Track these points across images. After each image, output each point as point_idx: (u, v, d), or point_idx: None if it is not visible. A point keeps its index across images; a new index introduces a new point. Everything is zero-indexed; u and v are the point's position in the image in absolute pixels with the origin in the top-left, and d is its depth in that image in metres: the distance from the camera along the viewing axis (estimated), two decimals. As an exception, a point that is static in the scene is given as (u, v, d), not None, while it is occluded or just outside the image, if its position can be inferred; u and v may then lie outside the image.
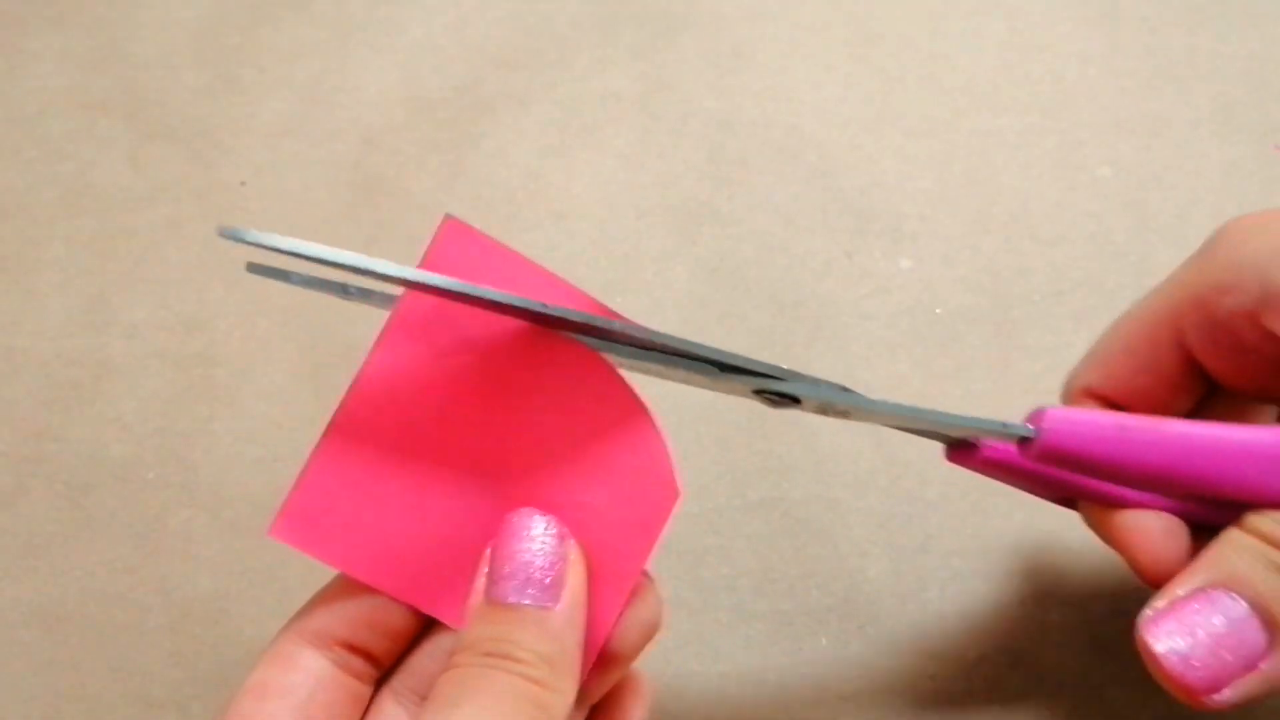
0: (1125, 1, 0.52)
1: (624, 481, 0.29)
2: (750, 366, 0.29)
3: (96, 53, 0.53)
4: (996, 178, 0.48)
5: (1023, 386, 0.43)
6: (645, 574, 0.30)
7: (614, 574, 0.29)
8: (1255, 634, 0.30)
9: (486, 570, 0.28)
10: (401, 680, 0.30)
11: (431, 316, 0.29)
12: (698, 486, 0.42)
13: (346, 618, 0.29)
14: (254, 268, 0.30)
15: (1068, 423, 0.31)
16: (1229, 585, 0.30)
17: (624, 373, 0.30)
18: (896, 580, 0.40)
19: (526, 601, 0.27)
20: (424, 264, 0.29)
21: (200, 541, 0.42)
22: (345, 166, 0.49)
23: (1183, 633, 0.30)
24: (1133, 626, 0.31)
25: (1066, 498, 0.36)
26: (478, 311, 0.29)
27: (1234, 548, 0.31)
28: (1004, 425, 0.32)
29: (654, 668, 0.32)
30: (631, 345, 0.29)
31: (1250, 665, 0.30)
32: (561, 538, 0.28)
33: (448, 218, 0.29)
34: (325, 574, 0.30)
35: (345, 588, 0.29)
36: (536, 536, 0.28)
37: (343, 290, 0.31)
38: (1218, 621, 0.30)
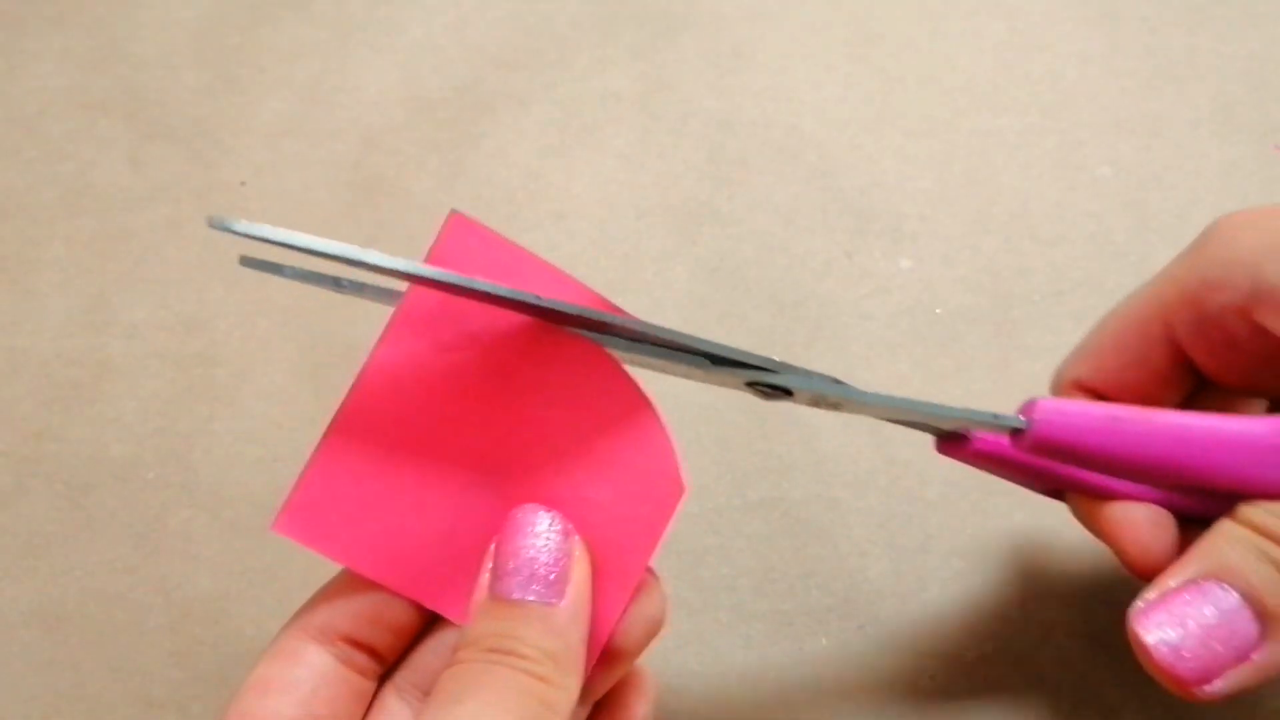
0: (1125, 1, 0.52)
1: (629, 477, 0.29)
2: (742, 359, 0.29)
3: (96, 53, 0.53)
4: (996, 178, 0.48)
5: (1022, 386, 0.43)
6: (650, 570, 0.30)
7: (619, 570, 0.29)
8: (1247, 625, 0.30)
9: (491, 566, 0.28)
10: (405, 676, 0.30)
11: (436, 312, 0.29)
12: (698, 486, 0.42)
13: (350, 613, 0.29)
14: (247, 261, 0.30)
15: (1060, 414, 0.31)
16: (1220, 576, 0.30)
17: (628, 368, 0.30)
18: (896, 580, 0.40)
19: (531, 598, 0.27)
20: (429, 259, 0.29)
21: (200, 541, 0.41)
22: (345, 166, 0.49)
23: (1173, 624, 0.30)
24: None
25: (1055, 489, 0.36)
26: (483, 306, 0.29)
27: (1226, 539, 0.31)
28: (996, 417, 0.32)
29: (654, 667, 0.32)
30: (628, 339, 0.29)
31: (1242, 656, 0.29)
32: (566, 534, 0.28)
33: (454, 212, 0.29)
34: (326, 574, 0.30)
35: (349, 583, 0.29)
36: (541, 532, 0.28)
37: (336, 284, 0.31)
38: (1209, 612, 0.30)
